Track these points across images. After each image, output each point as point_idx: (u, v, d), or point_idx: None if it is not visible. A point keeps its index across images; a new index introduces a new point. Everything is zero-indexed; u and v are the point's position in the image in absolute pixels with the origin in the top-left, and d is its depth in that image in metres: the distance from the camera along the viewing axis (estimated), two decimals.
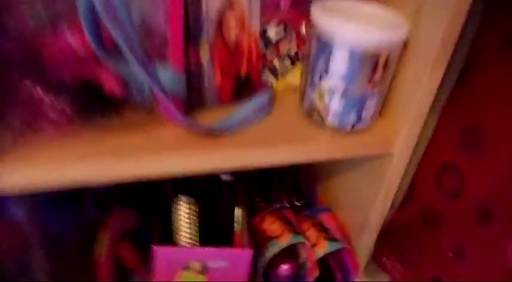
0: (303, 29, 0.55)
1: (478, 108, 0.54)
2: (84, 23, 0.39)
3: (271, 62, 0.56)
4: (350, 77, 0.48)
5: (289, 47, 0.56)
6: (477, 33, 0.53)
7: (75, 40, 0.40)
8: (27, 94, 0.42)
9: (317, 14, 0.48)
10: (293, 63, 0.58)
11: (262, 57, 0.55)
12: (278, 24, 0.54)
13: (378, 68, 0.48)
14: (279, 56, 0.56)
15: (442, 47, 0.48)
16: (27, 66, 0.41)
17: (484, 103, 0.53)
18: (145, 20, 0.43)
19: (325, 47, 0.48)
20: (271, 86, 0.57)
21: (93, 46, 0.40)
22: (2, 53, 0.39)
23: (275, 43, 0.55)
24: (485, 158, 0.53)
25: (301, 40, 0.56)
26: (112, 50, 0.40)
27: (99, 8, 0.37)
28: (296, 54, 0.57)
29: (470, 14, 0.46)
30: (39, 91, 0.42)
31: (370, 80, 0.49)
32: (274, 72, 0.57)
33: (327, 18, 0.47)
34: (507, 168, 0.51)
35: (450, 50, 0.49)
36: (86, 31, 0.39)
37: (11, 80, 0.41)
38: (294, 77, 0.58)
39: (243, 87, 0.54)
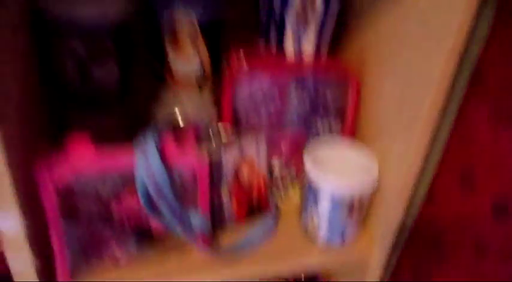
0: (301, 166, 0.71)
1: (440, 231, 0.69)
2: (140, 196, 0.56)
3: (277, 187, 0.73)
4: (333, 213, 0.65)
5: (291, 176, 0.73)
6: (437, 170, 0.69)
7: (134, 202, 0.58)
8: (101, 237, 0.60)
9: (308, 165, 0.65)
10: (294, 186, 0.74)
11: (269, 185, 0.72)
12: (281, 162, 0.71)
13: (355, 206, 0.65)
14: (283, 183, 0.73)
15: (406, 183, 0.63)
16: (103, 220, 0.58)
17: (443, 227, 0.68)
18: (183, 182, 0.60)
19: (313, 191, 0.64)
20: (277, 206, 0.73)
21: (146, 209, 0.57)
22: (87, 212, 0.57)
23: (279, 175, 0.72)
24: (448, 264, 0.69)
25: (300, 172, 0.73)
26: (158, 210, 0.58)
27: (151, 190, 0.55)
28: (297, 177, 0.74)
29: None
30: (109, 235, 0.60)
31: (349, 214, 0.65)
32: (279, 194, 0.74)
33: (314, 171, 0.63)
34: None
35: (409, 189, 0.64)
36: (141, 200, 0.57)
37: (92, 228, 0.59)
38: (296, 196, 0.75)
39: (255, 209, 0.71)
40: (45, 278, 0.57)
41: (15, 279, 0.54)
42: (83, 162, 0.54)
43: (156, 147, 0.55)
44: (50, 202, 0.53)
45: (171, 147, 0.56)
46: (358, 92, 0.70)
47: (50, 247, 0.56)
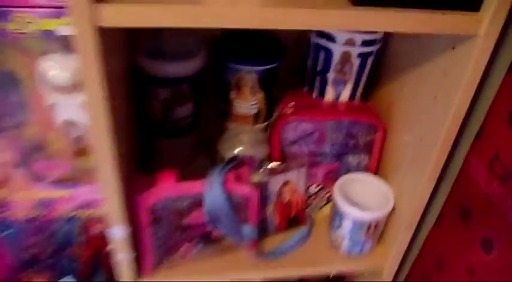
0: (332, 190, 0.88)
1: (441, 253, 0.84)
2: (206, 214, 0.76)
3: (312, 202, 0.91)
4: (354, 232, 0.82)
5: (324, 195, 0.90)
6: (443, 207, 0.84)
7: (200, 217, 0.78)
8: (175, 239, 0.80)
9: (336, 193, 0.81)
10: (328, 202, 0.92)
11: (306, 201, 0.89)
12: (317, 185, 0.88)
13: (371, 227, 0.81)
14: (317, 202, 0.90)
15: (415, 212, 0.79)
16: (178, 228, 0.78)
17: (444, 250, 0.84)
18: (238, 204, 0.78)
19: (339, 213, 0.82)
20: (311, 220, 0.91)
21: (209, 223, 0.77)
22: (167, 221, 0.77)
23: (315, 194, 0.89)
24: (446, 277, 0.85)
25: (331, 194, 0.90)
26: (218, 223, 0.77)
27: (214, 211, 0.74)
28: (329, 198, 0.91)
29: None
30: (180, 238, 0.80)
31: (367, 233, 0.82)
32: (313, 208, 0.92)
33: (341, 200, 0.80)
34: None
35: (419, 217, 0.80)
36: (206, 217, 0.76)
37: (169, 233, 0.79)
38: (327, 211, 0.92)
39: (293, 222, 0.89)
40: (136, 266, 0.78)
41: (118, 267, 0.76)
42: (167, 188, 0.73)
43: (220, 179, 0.74)
44: (143, 215, 0.74)
45: (231, 179, 0.75)
46: (385, 135, 0.85)
47: (138, 245, 0.77)
